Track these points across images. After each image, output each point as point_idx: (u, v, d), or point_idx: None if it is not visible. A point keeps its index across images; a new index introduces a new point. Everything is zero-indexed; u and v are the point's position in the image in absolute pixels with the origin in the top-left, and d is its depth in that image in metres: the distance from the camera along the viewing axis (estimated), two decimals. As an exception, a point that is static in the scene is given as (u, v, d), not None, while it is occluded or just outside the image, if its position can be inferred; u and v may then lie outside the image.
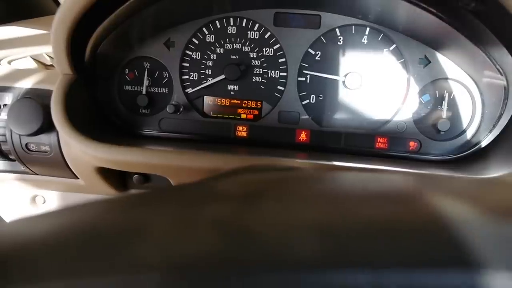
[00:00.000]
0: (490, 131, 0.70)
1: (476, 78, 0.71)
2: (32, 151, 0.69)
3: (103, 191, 0.79)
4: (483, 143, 0.71)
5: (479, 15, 0.56)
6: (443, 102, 0.72)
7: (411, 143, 0.75)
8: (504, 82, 0.66)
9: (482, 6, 0.53)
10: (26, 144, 0.69)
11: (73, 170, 0.73)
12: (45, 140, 0.68)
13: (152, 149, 0.65)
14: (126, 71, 0.77)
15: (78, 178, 0.76)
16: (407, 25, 0.70)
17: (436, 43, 0.70)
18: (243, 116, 0.77)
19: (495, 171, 0.64)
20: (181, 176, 0.69)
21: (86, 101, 0.71)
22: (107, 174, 0.74)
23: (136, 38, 0.74)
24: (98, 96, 0.75)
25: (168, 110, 0.73)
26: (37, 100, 0.65)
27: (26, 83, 0.70)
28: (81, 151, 0.64)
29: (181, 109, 0.75)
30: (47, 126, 0.65)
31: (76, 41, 0.63)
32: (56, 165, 0.72)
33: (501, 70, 0.65)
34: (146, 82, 0.76)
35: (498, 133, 0.69)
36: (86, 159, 0.68)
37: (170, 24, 0.74)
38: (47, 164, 0.73)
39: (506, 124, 0.68)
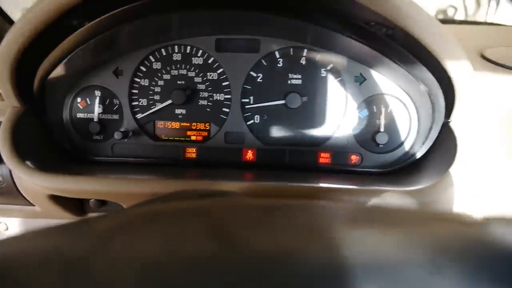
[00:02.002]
0: (423, 143, 0.74)
1: (410, 93, 0.75)
2: (-15, 182, 0.72)
3: (61, 216, 0.81)
4: (418, 155, 0.74)
5: (393, 38, 0.60)
6: (380, 116, 0.76)
7: (353, 157, 0.78)
8: (428, 97, 0.70)
9: (392, 31, 0.56)
10: (-20, 176, 0.71)
11: (27, 198, 0.75)
12: (-3, 172, 0.71)
13: (99, 176, 0.68)
14: (78, 99, 0.80)
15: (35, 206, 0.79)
16: (340, 48, 0.74)
17: (368, 62, 0.74)
18: (193, 138, 0.80)
19: (427, 182, 0.67)
20: (132, 201, 0.72)
21: (37, 130, 0.74)
22: (61, 200, 0.76)
23: (85, 67, 0.77)
24: (50, 124, 0.77)
25: (116, 137, 0.76)
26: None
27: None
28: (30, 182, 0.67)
29: (130, 134, 0.78)
30: (-1, 158, 0.68)
31: (22, 73, 0.65)
32: (10, 195, 0.75)
33: (423, 85, 0.69)
34: (97, 109, 0.79)
35: (430, 144, 0.73)
36: (37, 188, 0.71)
37: (117, 53, 0.77)
38: (3, 194, 0.75)
39: (437, 136, 0.71)
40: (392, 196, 0.67)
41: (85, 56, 0.76)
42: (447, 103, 0.67)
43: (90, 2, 0.55)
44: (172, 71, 0.78)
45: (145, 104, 0.79)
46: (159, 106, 0.78)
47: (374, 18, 0.54)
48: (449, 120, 0.68)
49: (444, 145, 0.69)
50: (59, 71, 0.74)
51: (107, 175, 0.70)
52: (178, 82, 0.78)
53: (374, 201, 0.67)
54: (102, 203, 0.82)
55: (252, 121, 0.79)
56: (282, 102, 0.76)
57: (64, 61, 0.72)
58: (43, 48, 0.67)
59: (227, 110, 0.78)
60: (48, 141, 0.77)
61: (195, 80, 0.78)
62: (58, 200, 0.76)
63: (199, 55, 0.78)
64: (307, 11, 0.70)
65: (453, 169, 0.64)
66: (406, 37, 0.56)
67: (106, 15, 0.64)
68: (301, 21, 0.72)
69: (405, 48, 0.62)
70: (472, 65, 0.60)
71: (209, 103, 0.79)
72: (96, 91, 0.79)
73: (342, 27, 0.69)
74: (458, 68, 0.59)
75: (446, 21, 1.12)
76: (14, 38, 0.60)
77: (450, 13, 2.29)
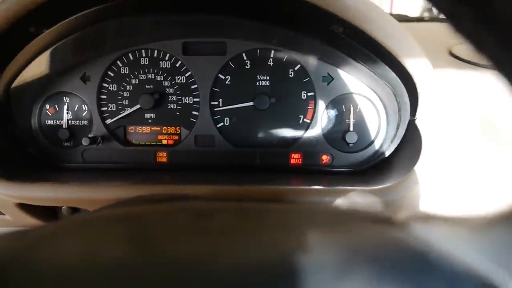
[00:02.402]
0: (392, 141, 0.74)
1: (377, 92, 0.75)
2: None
3: (33, 224, 0.81)
4: (387, 153, 0.74)
5: (353, 38, 0.60)
6: (350, 115, 0.76)
7: (324, 157, 0.78)
8: (393, 95, 0.70)
9: (349, 30, 0.56)
10: None
11: (-4, 207, 0.75)
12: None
13: (65, 184, 0.67)
14: (47, 106, 0.79)
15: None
16: (306, 48, 0.74)
17: (335, 62, 0.74)
18: (164, 142, 0.80)
19: (394, 180, 0.67)
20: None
21: (4, 139, 0.74)
22: (30, 208, 0.75)
23: (51, 73, 0.76)
24: (18, 132, 0.77)
25: (84, 143, 0.75)
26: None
27: None
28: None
29: (99, 140, 0.78)
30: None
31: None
32: (-22, 204, 0.74)
33: (387, 84, 0.69)
34: (66, 116, 0.78)
35: (398, 142, 0.73)
36: (4, 197, 0.70)
37: (84, 59, 0.77)
38: (-29, 204, 0.75)
39: (404, 134, 0.71)
40: (360, 195, 0.67)
41: (51, 62, 0.75)
42: (412, 101, 0.67)
43: (45, 8, 0.55)
44: (140, 75, 0.78)
45: (114, 109, 0.79)
46: (128, 111, 0.78)
47: (330, 18, 0.54)
48: (414, 118, 0.68)
49: (410, 143, 0.69)
50: (24, 78, 0.74)
51: (76, 182, 0.70)
52: (147, 86, 0.78)
53: (342, 201, 0.67)
54: (75, 209, 0.82)
55: (222, 123, 0.78)
56: (251, 104, 0.76)
57: (28, 67, 0.72)
58: (3, 55, 0.67)
59: (197, 113, 0.78)
60: (16, 149, 0.76)
61: (163, 84, 0.78)
62: (27, 208, 0.75)
63: (166, 58, 0.77)
64: (270, 14, 0.70)
65: (419, 167, 0.64)
66: (364, 37, 0.56)
67: (65, 21, 0.63)
68: (267, 24, 0.72)
69: (366, 48, 0.62)
70: (440, 63, 0.61)
71: (178, 107, 0.78)
72: (64, 97, 0.79)
73: (306, 28, 0.69)
74: (417, 66, 0.59)
75: (416, 19, 1.12)
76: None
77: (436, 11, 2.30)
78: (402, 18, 1.17)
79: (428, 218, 0.25)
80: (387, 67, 0.63)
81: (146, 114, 0.79)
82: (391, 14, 1.02)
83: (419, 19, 1.12)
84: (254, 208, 0.28)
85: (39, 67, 0.74)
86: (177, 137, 0.80)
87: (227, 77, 0.77)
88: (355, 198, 0.68)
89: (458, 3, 0.23)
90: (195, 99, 0.78)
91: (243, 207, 0.28)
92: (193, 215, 0.28)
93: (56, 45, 0.73)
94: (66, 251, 0.22)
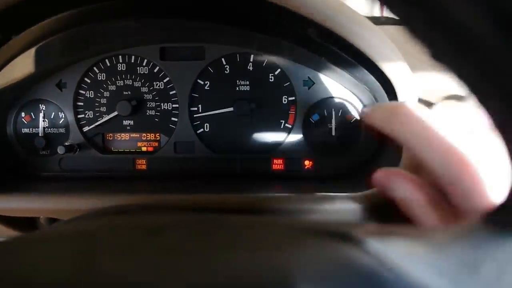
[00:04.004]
0: (374, 145, 0.73)
1: (358, 95, 0.74)
2: None
3: (10, 235, 0.79)
4: (369, 158, 0.73)
5: (329, 41, 0.59)
6: (331, 120, 0.75)
7: (306, 162, 0.77)
8: (374, 99, 0.69)
9: (324, 34, 0.55)
10: None
11: (-31, 219, 0.73)
12: None
13: (38, 194, 0.66)
14: (22, 114, 0.77)
15: (-21, 226, 0.76)
16: (286, 53, 0.73)
17: (315, 66, 0.73)
18: (144, 149, 0.79)
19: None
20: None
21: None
22: (7, 219, 0.73)
23: (26, 80, 0.74)
24: (-8, 141, 0.75)
25: (59, 151, 0.74)
26: None
27: None
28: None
29: (75, 148, 0.76)
30: None
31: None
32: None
33: (367, 88, 0.68)
34: (42, 124, 0.77)
35: (381, 146, 0.72)
36: (-23, 208, 0.68)
37: (59, 66, 0.75)
38: None
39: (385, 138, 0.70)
40: (341, 202, 0.66)
41: (24, 68, 0.73)
42: (392, 104, 0.66)
43: (11, 14, 0.53)
44: (117, 81, 0.76)
45: (92, 116, 0.77)
46: (106, 117, 0.76)
47: (304, 21, 0.53)
48: (395, 122, 0.67)
49: (391, 147, 0.68)
50: (-4, 85, 0.72)
51: (53, 191, 0.68)
52: (124, 92, 0.77)
53: (323, 207, 0.66)
54: (53, 219, 0.80)
55: (201, 129, 0.77)
56: (231, 109, 0.75)
57: (0, 74, 0.70)
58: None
59: (176, 119, 0.77)
60: (-11, 159, 0.74)
61: (141, 90, 0.76)
62: (4, 219, 0.73)
63: (144, 64, 0.76)
64: (248, 18, 0.69)
65: (400, 171, 0.63)
66: (340, 40, 0.55)
67: (37, 26, 0.62)
68: (245, 28, 0.71)
69: (343, 52, 0.61)
70: (420, 65, 0.60)
71: (157, 113, 0.77)
72: (40, 104, 0.77)
73: (284, 32, 0.67)
74: (395, 70, 0.58)
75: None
76: None
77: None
78: (391, 21, 1.16)
79: (385, 233, 0.24)
80: (365, 71, 0.62)
81: (124, 121, 0.77)
82: (380, 17, 1.01)
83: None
84: (207, 222, 0.27)
85: (12, 74, 0.72)
86: (156, 144, 0.78)
87: (206, 82, 0.76)
88: (336, 204, 0.67)
89: (409, 5, 0.22)
90: (174, 105, 0.77)
91: (195, 222, 0.27)
92: (146, 231, 0.27)
93: (29, 51, 0.71)
94: (8, 268, 0.21)
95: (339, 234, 0.24)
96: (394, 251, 0.22)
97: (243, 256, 0.22)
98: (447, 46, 0.22)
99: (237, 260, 0.21)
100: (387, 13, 1.09)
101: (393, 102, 0.60)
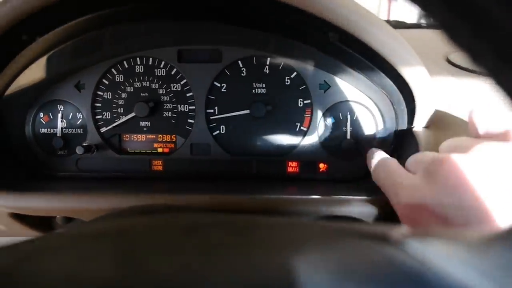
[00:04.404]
0: (389, 149, 0.73)
1: (374, 99, 0.74)
2: None
3: (27, 234, 0.79)
4: (385, 161, 0.73)
5: (349, 45, 0.59)
6: (347, 123, 0.75)
7: (321, 165, 0.77)
8: (390, 103, 0.69)
9: (345, 38, 0.56)
10: None
11: (-13, 217, 0.74)
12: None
13: (53, 193, 0.67)
14: (41, 114, 0.78)
15: (-3, 224, 0.77)
16: (302, 56, 0.73)
17: (331, 70, 0.73)
18: (160, 150, 0.79)
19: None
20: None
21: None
22: (24, 218, 0.74)
23: (45, 82, 0.76)
24: (11, 141, 0.76)
25: (78, 152, 0.74)
26: None
27: None
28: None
29: (93, 148, 0.77)
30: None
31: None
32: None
33: (384, 92, 0.68)
34: (60, 124, 0.78)
35: (396, 150, 0.72)
36: (-4, 207, 0.69)
37: (78, 67, 0.76)
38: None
39: (401, 141, 0.71)
40: (358, 206, 0.66)
41: (44, 70, 0.75)
42: (409, 109, 0.67)
43: (38, 17, 0.54)
44: (135, 83, 0.77)
45: (109, 117, 0.78)
46: (123, 119, 0.77)
47: (325, 26, 0.54)
48: (412, 126, 0.67)
49: (408, 151, 0.68)
50: (17, 85, 0.73)
51: (70, 191, 0.69)
52: (142, 94, 0.77)
53: (338, 210, 0.66)
54: (69, 219, 0.80)
55: (218, 131, 0.78)
56: (247, 111, 0.75)
57: (21, 75, 0.71)
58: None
59: (192, 121, 0.77)
60: (8, 158, 0.75)
61: (158, 92, 0.77)
62: (21, 218, 0.74)
63: (161, 66, 0.77)
64: (266, 21, 0.70)
65: (416, 176, 0.63)
66: (360, 44, 0.56)
67: (60, 28, 0.63)
68: (262, 31, 0.72)
69: (362, 56, 0.61)
70: (437, 70, 0.60)
71: (173, 115, 0.78)
72: (59, 105, 0.78)
73: (302, 35, 0.68)
74: (414, 74, 0.58)
75: (413, 25, 1.12)
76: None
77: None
78: (399, 25, 1.17)
79: (424, 234, 0.24)
80: (383, 75, 0.63)
81: (141, 122, 0.78)
82: (388, 21, 1.02)
83: (417, 26, 1.11)
84: (243, 222, 0.28)
85: (32, 75, 0.74)
86: (173, 145, 0.79)
87: (222, 85, 0.77)
88: (353, 208, 0.67)
89: (454, 16, 0.22)
90: (190, 107, 0.77)
91: (233, 221, 0.28)
92: (183, 230, 0.27)
93: (50, 53, 0.72)
94: (49, 269, 0.22)
95: (379, 236, 0.25)
96: (435, 252, 0.22)
97: (285, 256, 0.22)
98: (490, 53, 0.22)
99: (282, 260, 0.21)
100: (395, 17, 1.09)
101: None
